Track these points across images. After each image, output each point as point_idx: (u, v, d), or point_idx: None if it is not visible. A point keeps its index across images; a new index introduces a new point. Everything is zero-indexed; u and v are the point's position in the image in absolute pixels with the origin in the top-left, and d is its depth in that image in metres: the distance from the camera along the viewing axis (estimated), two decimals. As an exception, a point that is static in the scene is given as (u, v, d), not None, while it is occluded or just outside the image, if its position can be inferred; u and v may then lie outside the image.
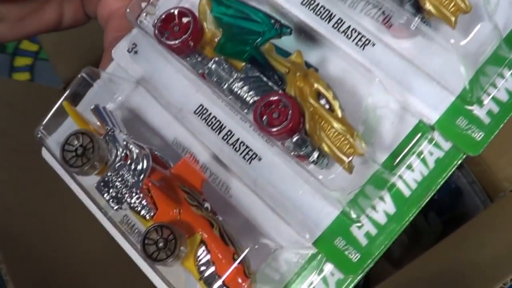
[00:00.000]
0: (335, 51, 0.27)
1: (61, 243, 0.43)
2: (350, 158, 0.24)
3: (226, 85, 0.26)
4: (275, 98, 0.24)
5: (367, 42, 0.27)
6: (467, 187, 0.52)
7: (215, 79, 0.26)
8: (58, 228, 0.44)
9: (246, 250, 0.25)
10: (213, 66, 0.26)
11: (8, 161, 0.46)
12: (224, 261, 0.25)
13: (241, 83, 0.26)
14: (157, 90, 0.30)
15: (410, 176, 0.25)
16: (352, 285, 0.25)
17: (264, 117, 0.24)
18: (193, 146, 0.29)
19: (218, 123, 0.28)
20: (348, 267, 0.25)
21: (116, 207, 0.25)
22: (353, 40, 0.27)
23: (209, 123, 0.28)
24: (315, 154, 0.25)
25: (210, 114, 0.29)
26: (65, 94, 0.30)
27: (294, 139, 0.25)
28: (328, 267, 0.26)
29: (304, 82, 0.25)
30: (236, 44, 0.26)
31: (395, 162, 0.25)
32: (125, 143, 0.26)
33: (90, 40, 0.62)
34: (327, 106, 0.25)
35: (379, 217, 0.25)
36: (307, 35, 0.28)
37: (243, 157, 0.27)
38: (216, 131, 0.28)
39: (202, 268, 0.25)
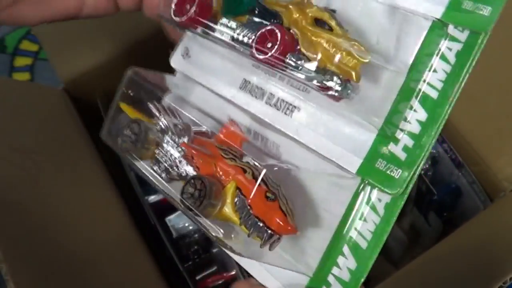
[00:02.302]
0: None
1: (62, 243, 0.43)
2: (356, 71, 0.25)
3: (230, 37, 0.28)
4: (263, 30, 0.26)
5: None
6: (467, 187, 0.52)
7: (225, 38, 0.29)
8: (59, 227, 0.44)
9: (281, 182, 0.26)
10: (220, 26, 0.29)
11: (8, 161, 0.46)
12: (258, 201, 0.26)
13: (239, 30, 0.28)
14: (207, 79, 0.34)
15: (434, 77, 0.26)
16: (400, 205, 0.26)
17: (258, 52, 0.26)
18: (239, 116, 0.32)
19: (260, 90, 0.31)
20: (392, 185, 0.25)
21: (167, 177, 0.29)
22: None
23: (253, 93, 0.31)
24: (336, 83, 0.26)
25: (252, 84, 0.31)
26: (118, 94, 0.35)
27: (293, 59, 0.26)
28: (374, 194, 0.26)
29: (300, 13, 0.27)
30: (235, 1, 0.29)
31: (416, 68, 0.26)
32: (169, 123, 0.30)
33: (90, 40, 0.62)
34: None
35: (413, 128, 0.26)
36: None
37: (285, 113, 0.30)
38: (259, 98, 0.31)
39: (240, 212, 0.26)
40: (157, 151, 0.30)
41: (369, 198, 0.26)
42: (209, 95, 0.34)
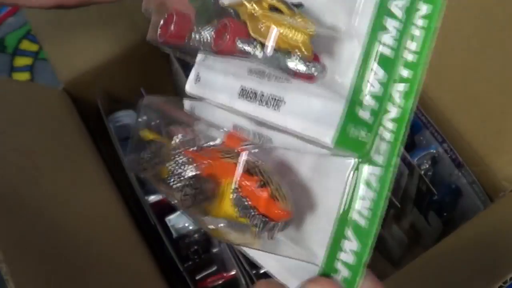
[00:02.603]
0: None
1: (62, 243, 0.43)
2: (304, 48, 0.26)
3: (198, 40, 0.30)
4: (218, 25, 0.28)
5: None
6: (467, 187, 0.52)
7: (196, 44, 0.30)
8: (59, 227, 0.44)
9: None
10: (196, 35, 0.30)
11: (9, 161, 0.46)
12: (251, 191, 0.27)
13: (204, 31, 0.29)
14: (214, 95, 0.36)
15: (388, 36, 0.26)
16: (390, 176, 0.26)
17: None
18: (242, 121, 0.34)
19: (253, 92, 0.32)
20: (361, 149, 0.26)
21: (179, 185, 0.31)
22: None
23: (248, 97, 0.33)
24: (297, 61, 0.26)
25: (248, 89, 0.33)
26: (135, 124, 0.38)
27: (241, 43, 0.27)
28: (367, 170, 0.27)
29: (257, 5, 0.28)
30: (204, 8, 0.31)
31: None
32: (181, 138, 0.33)
33: (90, 40, 0.62)
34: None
35: (375, 90, 0.26)
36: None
37: (274, 108, 0.31)
38: (253, 100, 0.32)
39: (237, 204, 0.27)
40: (168, 164, 0.32)
41: (363, 175, 0.27)
42: (218, 110, 0.36)
